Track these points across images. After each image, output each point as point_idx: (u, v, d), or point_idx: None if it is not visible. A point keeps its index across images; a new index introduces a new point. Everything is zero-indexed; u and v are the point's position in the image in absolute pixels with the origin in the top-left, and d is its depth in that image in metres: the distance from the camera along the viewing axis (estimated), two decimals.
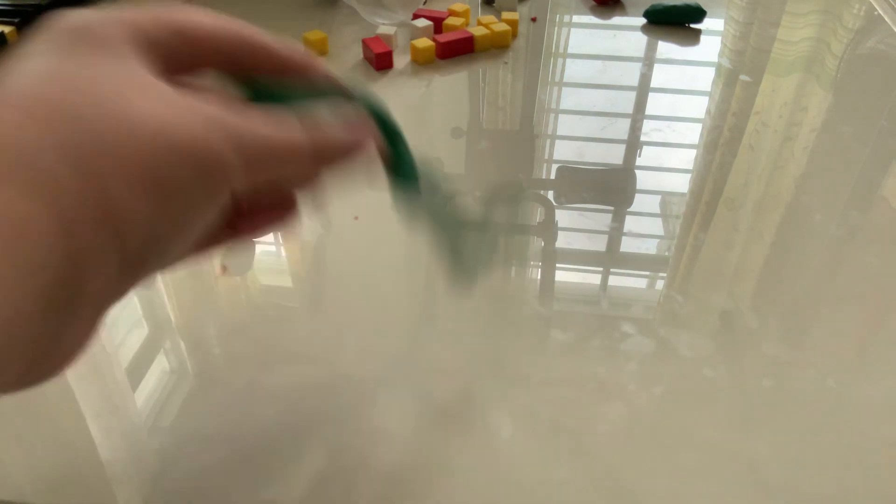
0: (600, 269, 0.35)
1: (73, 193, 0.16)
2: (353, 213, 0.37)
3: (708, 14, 0.59)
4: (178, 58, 0.20)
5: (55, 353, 0.17)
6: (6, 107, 0.16)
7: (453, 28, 0.56)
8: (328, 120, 0.22)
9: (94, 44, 0.18)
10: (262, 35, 0.22)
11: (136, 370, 0.29)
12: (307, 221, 0.38)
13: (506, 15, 0.58)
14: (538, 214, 0.38)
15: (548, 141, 0.45)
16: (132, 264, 0.17)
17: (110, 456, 0.26)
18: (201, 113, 0.18)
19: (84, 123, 0.16)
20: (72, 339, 0.17)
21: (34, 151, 0.16)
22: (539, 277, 0.34)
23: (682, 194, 0.40)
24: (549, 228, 0.37)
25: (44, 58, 0.18)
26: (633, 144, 0.44)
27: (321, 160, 0.21)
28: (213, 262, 0.35)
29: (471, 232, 0.26)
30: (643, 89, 0.51)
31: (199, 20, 0.21)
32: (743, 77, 0.52)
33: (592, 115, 0.47)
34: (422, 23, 0.56)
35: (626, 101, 0.49)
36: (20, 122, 0.16)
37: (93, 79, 0.17)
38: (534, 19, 0.61)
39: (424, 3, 0.60)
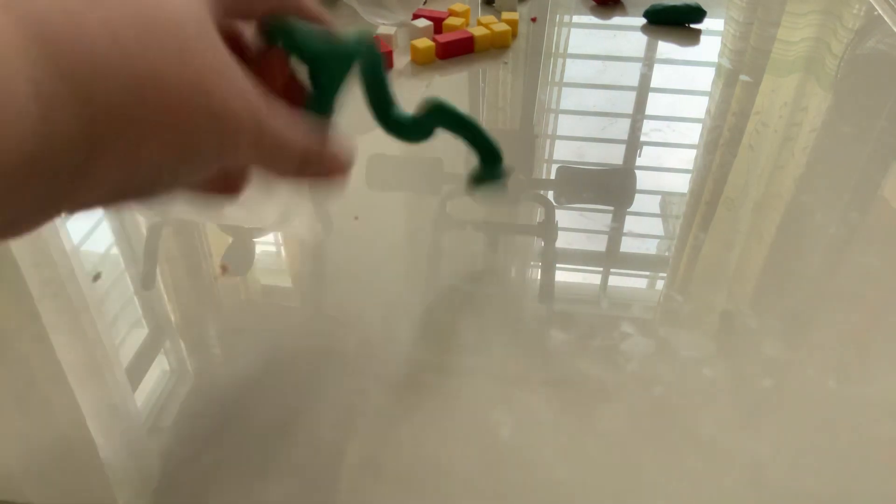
0: (600, 269, 0.35)
1: (111, 107, 0.16)
2: (353, 213, 0.37)
3: (708, 14, 0.59)
4: (237, 6, 0.22)
5: (32, 215, 0.17)
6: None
7: (453, 28, 0.56)
8: (329, 136, 0.24)
9: None
10: None
11: (136, 370, 0.29)
12: (308, 222, 0.38)
13: (506, 15, 0.58)
14: (538, 214, 0.38)
15: (548, 141, 0.45)
16: (122, 190, 0.18)
17: (110, 456, 0.26)
18: (244, 90, 0.19)
19: (144, 56, 0.17)
20: (43, 213, 0.17)
21: (92, 49, 0.16)
22: (539, 277, 0.34)
23: (682, 194, 0.40)
24: (549, 228, 0.37)
25: None
26: (633, 144, 0.44)
27: (305, 170, 0.23)
28: (213, 263, 0.35)
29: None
30: (643, 89, 0.51)
31: None
32: (743, 77, 0.52)
33: (592, 115, 0.47)
34: (422, 23, 0.56)
35: (626, 101, 0.49)
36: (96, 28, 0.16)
37: (168, 16, 0.18)
38: (534, 19, 0.61)
39: (424, 3, 0.60)
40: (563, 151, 0.44)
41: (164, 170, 0.19)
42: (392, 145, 0.47)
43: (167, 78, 0.17)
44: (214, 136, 0.19)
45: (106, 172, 0.17)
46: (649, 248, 0.36)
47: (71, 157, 0.16)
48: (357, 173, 0.41)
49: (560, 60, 0.56)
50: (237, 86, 0.19)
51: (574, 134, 0.46)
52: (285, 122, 0.21)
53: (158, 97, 0.17)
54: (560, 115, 0.48)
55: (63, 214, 0.18)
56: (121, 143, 0.17)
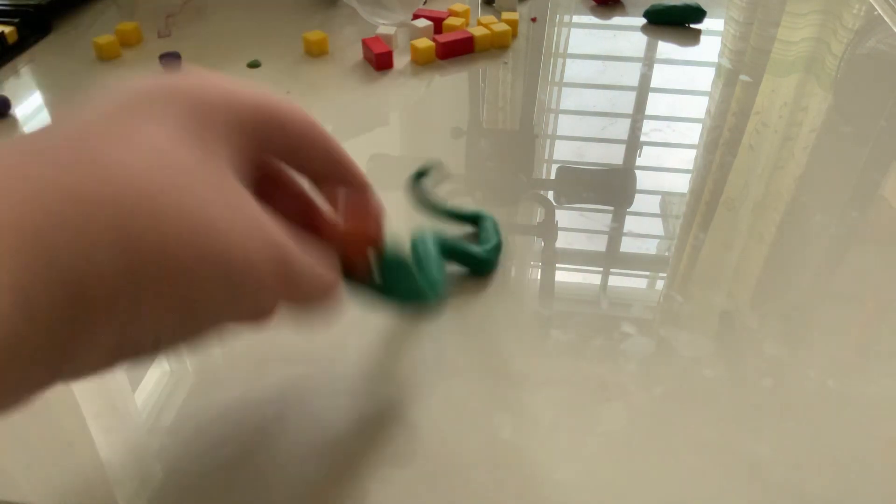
0: (600, 269, 0.35)
1: (100, 279, 0.15)
2: None
3: (708, 14, 0.59)
4: (272, 149, 0.21)
5: (17, 395, 0.16)
6: (89, 165, 0.15)
7: (453, 28, 0.56)
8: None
9: (200, 126, 0.18)
10: (340, 150, 0.23)
11: (136, 370, 0.29)
12: None
13: (506, 15, 0.58)
14: (538, 214, 0.38)
15: (548, 141, 0.45)
16: (122, 355, 0.17)
17: (110, 456, 0.26)
18: (262, 231, 0.18)
19: (137, 216, 0.16)
20: (29, 391, 0.16)
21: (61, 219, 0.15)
22: (539, 277, 0.34)
23: (682, 194, 0.40)
24: (549, 228, 0.37)
25: (155, 126, 0.17)
26: (633, 144, 0.44)
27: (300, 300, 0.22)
28: None
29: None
30: (643, 89, 0.51)
31: (297, 118, 0.21)
32: (743, 77, 0.52)
33: (592, 115, 0.47)
34: (422, 23, 0.56)
35: (626, 101, 0.49)
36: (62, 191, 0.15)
37: (178, 168, 0.17)
38: (534, 19, 0.61)
39: (424, 3, 0.60)
40: (563, 151, 0.44)
41: (168, 328, 0.17)
42: (392, 145, 0.47)
43: (166, 238, 0.16)
44: (225, 283, 0.17)
45: (94, 345, 0.16)
46: (649, 248, 0.36)
47: (51, 340, 0.15)
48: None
49: (560, 60, 0.56)
50: (253, 231, 0.18)
51: (574, 134, 0.46)
52: (312, 258, 0.21)
53: (157, 260, 0.16)
54: (560, 115, 0.48)
55: (58, 383, 0.16)
56: (111, 313, 0.15)
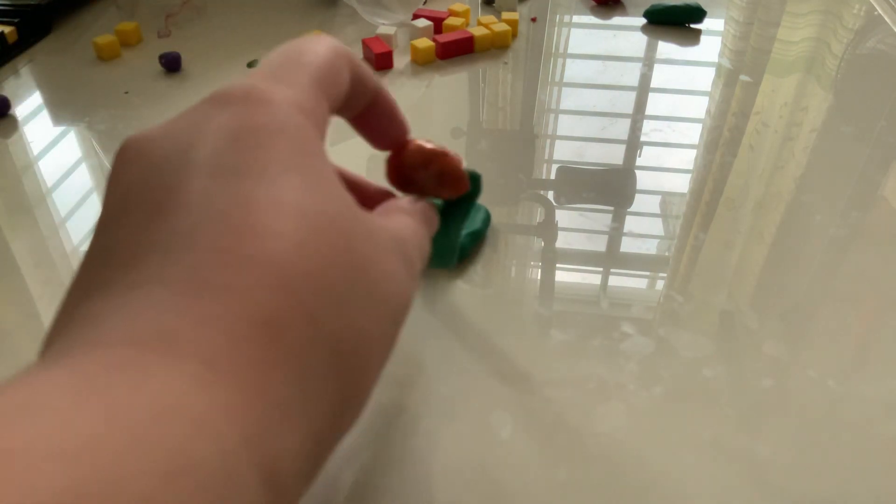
0: (600, 269, 0.35)
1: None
2: None
3: (708, 14, 0.59)
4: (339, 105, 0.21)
5: None
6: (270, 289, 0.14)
7: (453, 28, 0.56)
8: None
9: (305, 153, 0.17)
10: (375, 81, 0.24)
11: None
12: None
13: (506, 15, 0.58)
14: (538, 214, 0.38)
15: (548, 141, 0.45)
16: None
17: None
18: (403, 257, 0.20)
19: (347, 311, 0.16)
20: None
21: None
22: (539, 277, 0.34)
23: (682, 194, 0.40)
24: (549, 228, 0.37)
25: (278, 186, 0.16)
26: (633, 144, 0.44)
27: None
28: None
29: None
30: (643, 89, 0.51)
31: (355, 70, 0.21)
32: (743, 77, 0.52)
33: (592, 115, 0.47)
34: (422, 23, 0.56)
35: (626, 101, 0.49)
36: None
37: (343, 234, 0.16)
38: (534, 19, 0.61)
39: (424, 3, 0.60)
40: (563, 151, 0.44)
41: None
42: None
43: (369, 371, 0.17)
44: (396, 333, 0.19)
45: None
46: (649, 248, 0.36)
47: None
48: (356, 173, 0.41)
49: (560, 60, 0.56)
50: (402, 265, 0.19)
51: (574, 134, 0.46)
52: (420, 231, 0.23)
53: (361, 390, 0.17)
54: (560, 115, 0.48)
55: None
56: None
